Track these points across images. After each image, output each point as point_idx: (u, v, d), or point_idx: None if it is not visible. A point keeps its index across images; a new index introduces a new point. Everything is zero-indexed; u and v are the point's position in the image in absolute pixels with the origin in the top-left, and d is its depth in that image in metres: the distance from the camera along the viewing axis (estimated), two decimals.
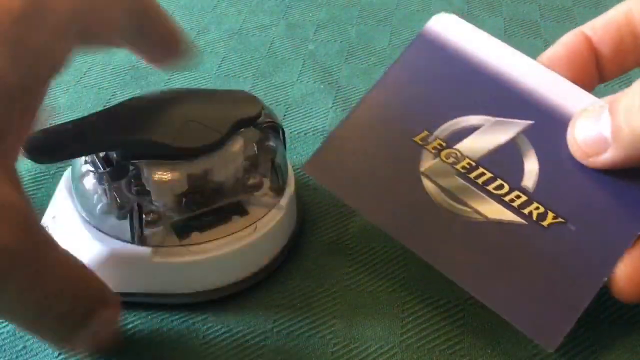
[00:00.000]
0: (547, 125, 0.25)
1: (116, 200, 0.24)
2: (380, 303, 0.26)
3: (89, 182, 0.25)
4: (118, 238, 0.24)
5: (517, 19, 0.44)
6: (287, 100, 0.36)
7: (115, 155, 0.24)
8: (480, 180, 0.24)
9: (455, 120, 0.25)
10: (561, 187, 0.23)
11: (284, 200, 0.26)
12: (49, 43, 0.19)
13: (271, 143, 0.26)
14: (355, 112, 0.26)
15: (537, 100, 0.25)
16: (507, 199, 0.23)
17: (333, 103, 0.36)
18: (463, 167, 0.24)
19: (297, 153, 0.33)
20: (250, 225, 0.25)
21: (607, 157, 0.23)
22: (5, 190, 0.18)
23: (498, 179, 0.24)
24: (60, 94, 0.37)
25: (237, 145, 0.25)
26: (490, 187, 0.24)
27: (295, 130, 0.34)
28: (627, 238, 0.22)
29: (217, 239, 0.25)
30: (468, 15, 0.44)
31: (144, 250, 0.24)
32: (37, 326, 0.20)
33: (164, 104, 0.25)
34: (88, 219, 0.25)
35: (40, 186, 0.31)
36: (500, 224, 0.23)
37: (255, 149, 0.26)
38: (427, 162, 0.24)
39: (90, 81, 0.38)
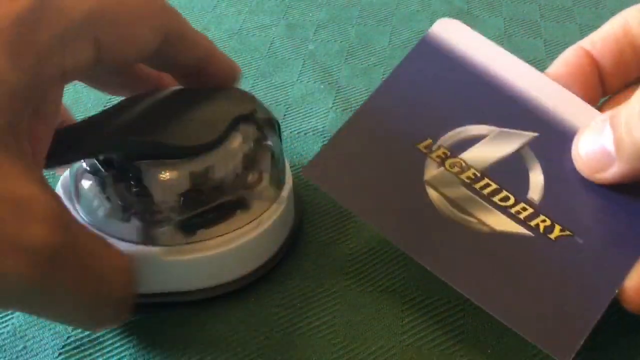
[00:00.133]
0: (552, 138, 0.24)
1: (119, 202, 0.24)
2: (380, 303, 0.26)
3: (89, 184, 0.25)
4: (123, 240, 0.24)
5: (517, 19, 0.44)
6: (287, 100, 0.36)
7: (115, 157, 0.24)
8: (485, 191, 0.24)
9: (459, 129, 0.25)
10: (567, 200, 0.23)
11: (284, 193, 0.26)
12: (55, 45, 0.19)
13: (268, 137, 0.26)
14: (357, 116, 0.25)
15: (542, 113, 0.25)
16: (513, 210, 0.23)
17: (333, 103, 0.36)
18: (468, 177, 0.24)
19: (297, 153, 0.33)
20: (254, 219, 0.25)
21: (613, 172, 0.23)
22: (30, 189, 0.17)
23: (504, 191, 0.23)
24: None
25: (236, 141, 0.25)
26: (495, 199, 0.23)
27: (295, 130, 0.34)
28: (635, 249, 0.22)
29: (223, 234, 0.25)
30: (468, 15, 0.44)
31: (154, 250, 0.24)
32: (91, 319, 0.20)
33: (160, 104, 0.25)
34: (90, 222, 0.25)
35: None
36: (507, 235, 0.23)
37: (252, 144, 0.26)
38: (432, 171, 0.24)
39: None
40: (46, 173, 0.31)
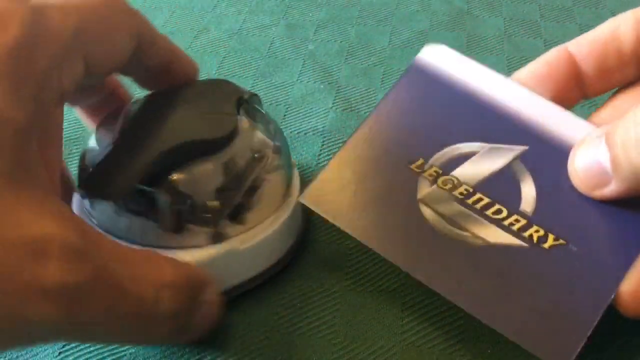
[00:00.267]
0: (542, 151, 0.25)
1: (167, 212, 0.23)
2: (380, 303, 0.26)
3: (132, 214, 0.23)
4: (176, 247, 0.23)
5: (517, 19, 0.44)
6: (287, 100, 0.36)
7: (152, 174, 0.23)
8: (478, 206, 0.24)
9: (450, 148, 0.25)
10: (560, 210, 0.24)
11: (295, 181, 0.27)
12: (52, 69, 0.19)
13: (262, 112, 0.27)
14: (350, 141, 0.26)
15: (530, 127, 0.25)
16: (506, 223, 0.23)
17: (333, 103, 0.36)
18: (461, 193, 0.24)
19: (297, 153, 0.33)
20: (289, 195, 0.26)
21: (610, 189, 0.23)
22: (45, 226, 0.17)
23: (496, 204, 0.24)
24: None
25: (245, 123, 0.25)
26: (489, 212, 0.24)
27: (295, 130, 0.34)
28: (629, 254, 0.22)
29: (268, 217, 0.25)
30: (468, 15, 0.44)
31: (221, 246, 0.24)
32: (145, 340, 0.20)
33: (153, 114, 0.24)
34: (129, 239, 0.23)
35: None
36: (501, 247, 0.23)
37: (260, 123, 0.26)
38: (425, 190, 0.25)
39: None
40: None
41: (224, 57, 0.40)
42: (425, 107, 0.27)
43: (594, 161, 0.23)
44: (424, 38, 0.41)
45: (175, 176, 0.23)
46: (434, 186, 0.25)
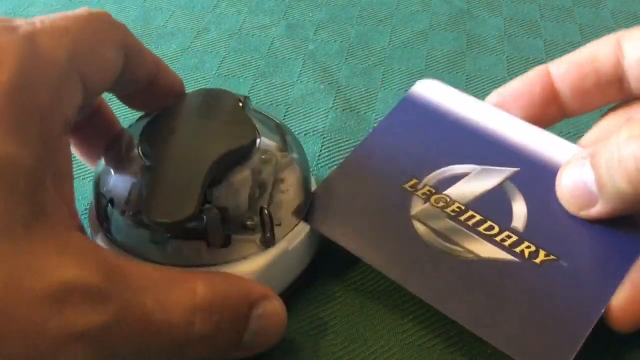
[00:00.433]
0: (532, 172, 0.26)
1: (216, 228, 0.22)
2: (380, 303, 0.26)
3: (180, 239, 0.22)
4: (222, 263, 0.22)
5: (517, 19, 0.44)
6: (287, 100, 0.36)
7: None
8: (470, 222, 0.24)
9: (442, 169, 0.26)
10: (550, 227, 0.24)
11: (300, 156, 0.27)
12: (52, 100, 0.18)
13: (262, 112, 0.27)
14: (346, 162, 0.27)
15: (522, 150, 0.26)
16: (498, 239, 0.24)
17: (333, 103, 0.36)
18: (453, 211, 0.25)
19: None
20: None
21: (597, 210, 0.23)
22: (66, 271, 0.17)
23: (488, 221, 0.24)
24: None
25: (257, 124, 0.25)
26: (480, 228, 0.24)
27: (295, 130, 0.34)
28: (619, 270, 0.23)
29: (295, 215, 0.25)
30: (468, 15, 0.44)
31: (273, 250, 0.23)
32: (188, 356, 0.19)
33: (182, 125, 0.24)
34: (171, 263, 0.22)
35: None
36: (493, 262, 0.23)
37: (269, 122, 0.26)
38: (418, 207, 0.25)
39: None
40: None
41: (224, 57, 0.40)
42: (418, 132, 0.28)
43: (580, 182, 0.23)
44: (424, 38, 0.41)
45: (219, 190, 0.22)
46: (427, 204, 0.25)
